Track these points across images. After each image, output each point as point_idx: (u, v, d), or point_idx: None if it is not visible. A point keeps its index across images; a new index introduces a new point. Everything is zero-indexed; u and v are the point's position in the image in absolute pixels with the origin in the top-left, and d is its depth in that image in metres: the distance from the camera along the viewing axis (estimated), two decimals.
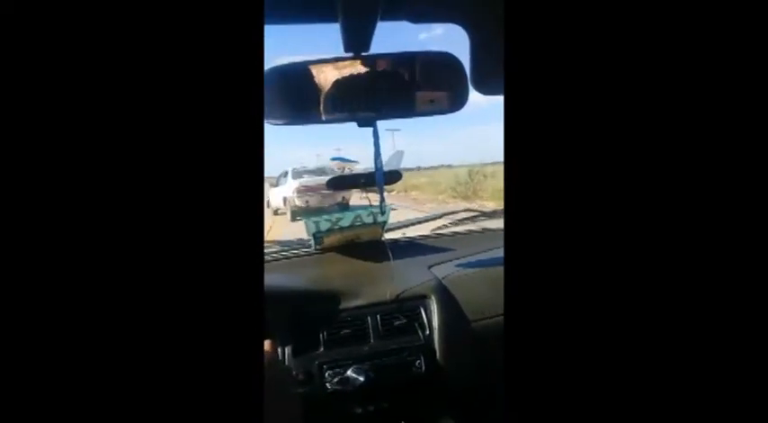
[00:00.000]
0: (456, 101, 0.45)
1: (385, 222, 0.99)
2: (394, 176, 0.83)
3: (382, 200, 0.56)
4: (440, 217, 1.12)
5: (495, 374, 0.62)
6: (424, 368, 0.71)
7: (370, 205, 0.87)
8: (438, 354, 0.73)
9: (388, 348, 0.72)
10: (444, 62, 0.44)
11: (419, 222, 1.09)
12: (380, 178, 0.51)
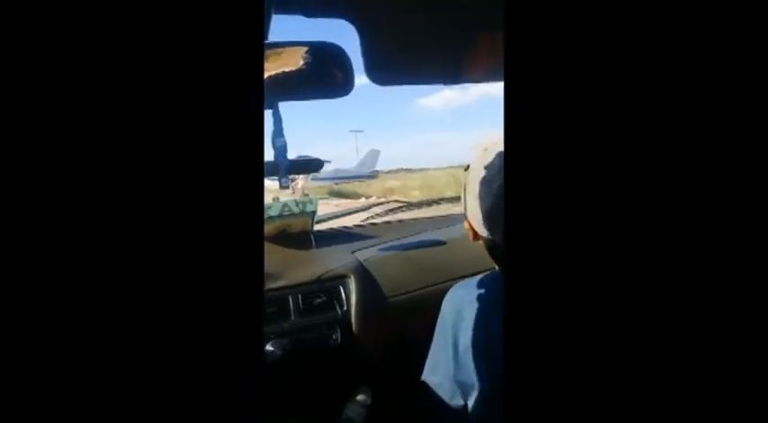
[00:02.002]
0: (342, 87, 0.51)
1: (314, 212, 1.04)
2: (312, 165, 0.88)
3: (282, 185, 0.58)
4: (368, 208, 1.18)
5: (410, 345, 0.68)
6: (340, 340, 0.77)
7: (295, 197, 0.92)
8: (354, 326, 0.79)
9: (307, 324, 0.77)
10: (332, 52, 0.50)
11: (348, 214, 1.15)
12: (284, 164, 0.54)
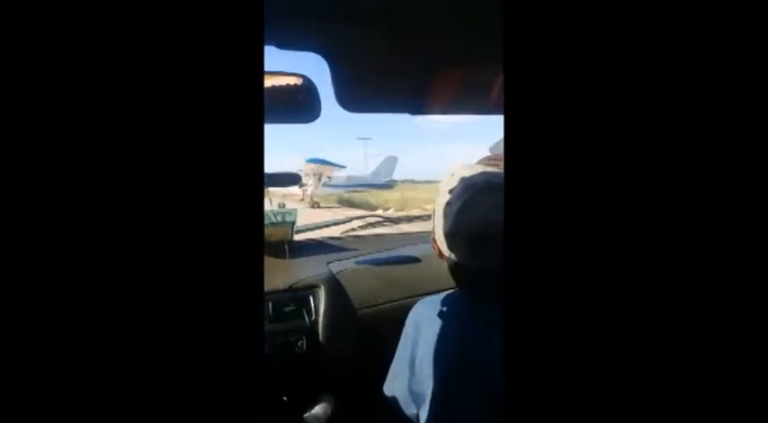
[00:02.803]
0: (309, 114, 0.56)
1: (293, 223, 1.08)
2: (292, 178, 0.93)
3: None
4: (349, 221, 1.22)
5: (374, 357, 0.71)
6: (306, 348, 0.80)
7: (272, 207, 0.96)
8: (321, 335, 0.82)
9: (276, 331, 0.80)
10: (301, 82, 0.55)
11: (327, 226, 1.19)
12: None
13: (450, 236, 0.57)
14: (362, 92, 0.61)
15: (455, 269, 0.61)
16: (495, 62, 0.59)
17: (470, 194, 0.54)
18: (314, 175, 12.63)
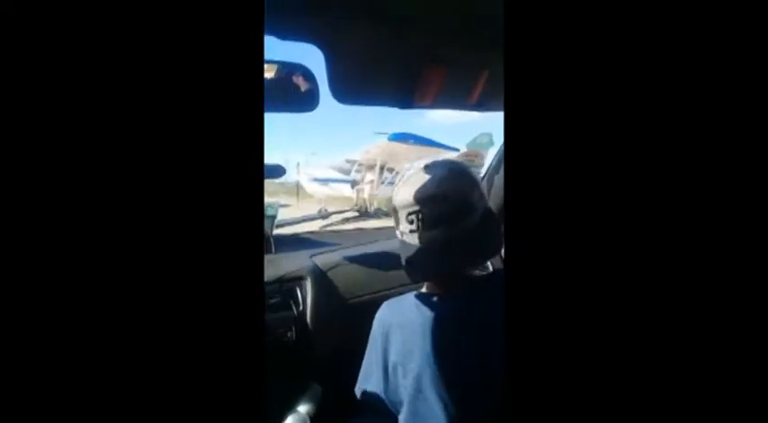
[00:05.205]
0: (308, 103, 0.58)
1: (274, 217, 1.08)
2: (272, 171, 0.93)
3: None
4: (328, 216, 1.24)
5: (363, 345, 0.73)
6: (294, 338, 0.81)
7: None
8: (309, 326, 0.84)
9: (264, 322, 0.81)
10: (300, 72, 0.57)
11: (308, 220, 1.20)
12: None
13: (397, 211, 0.61)
14: (355, 85, 0.64)
15: (401, 246, 0.63)
16: (481, 60, 0.64)
17: (415, 170, 0.59)
18: (372, 167, 7.03)
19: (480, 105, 0.73)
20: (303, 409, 0.81)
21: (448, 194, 0.56)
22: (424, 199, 0.57)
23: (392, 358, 0.61)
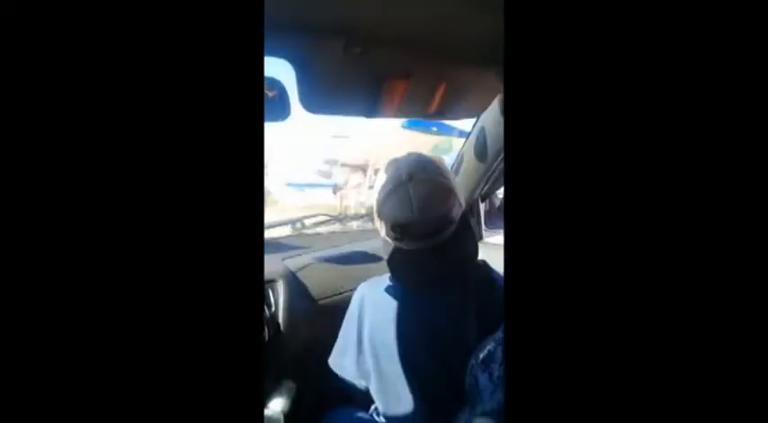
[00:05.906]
0: (279, 113, 0.62)
1: None
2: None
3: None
4: (300, 219, 1.26)
5: (331, 344, 0.77)
6: (266, 339, 0.84)
7: None
8: (282, 326, 0.87)
9: None
10: (270, 84, 0.61)
11: (281, 224, 1.22)
12: None
13: (379, 220, 0.67)
14: (323, 97, 0.68)
15: (384, 249, 0.69)
16: (438, 72, 0.70)
17: (393, 186, 0.63)
18: (359, 168, 5.73)
19: (439, 114, 0.79)
20: (278, 406, 0.84)
21: (429, 218, 0.61)
22: (407, 218, 0.61)
23: (366, 334, 0.67)
